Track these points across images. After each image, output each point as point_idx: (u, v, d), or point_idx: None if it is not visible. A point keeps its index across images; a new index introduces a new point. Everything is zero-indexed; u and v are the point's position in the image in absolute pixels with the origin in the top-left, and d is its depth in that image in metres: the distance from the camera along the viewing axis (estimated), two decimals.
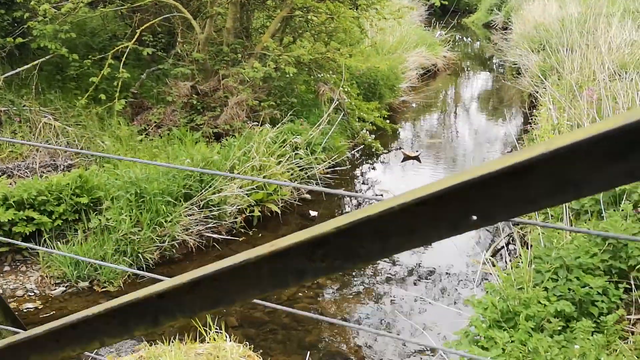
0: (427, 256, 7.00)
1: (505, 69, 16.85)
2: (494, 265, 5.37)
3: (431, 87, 15.09)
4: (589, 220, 4.77)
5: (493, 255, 6.43)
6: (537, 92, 10.11)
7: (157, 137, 8.03)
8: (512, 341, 3.50)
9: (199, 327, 4.40)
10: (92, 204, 6.32)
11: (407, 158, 10.10)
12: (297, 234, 0.80)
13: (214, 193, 6.83)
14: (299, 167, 8.05)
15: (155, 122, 8.31)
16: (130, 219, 6.23)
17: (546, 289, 3.86)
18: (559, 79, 9.92)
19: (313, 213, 7.84)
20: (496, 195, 0.63)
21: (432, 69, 15.83)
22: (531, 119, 9.26)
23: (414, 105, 13.32)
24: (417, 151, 10.24)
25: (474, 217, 0.66)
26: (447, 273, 6.63)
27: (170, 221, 6.42)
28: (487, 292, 4.23)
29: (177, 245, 6.58)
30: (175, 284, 0.87)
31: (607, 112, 6.43)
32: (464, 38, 24.47)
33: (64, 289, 5.94)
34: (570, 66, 9.87)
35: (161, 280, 0.92)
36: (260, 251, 0.81)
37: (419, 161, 10.10)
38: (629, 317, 3.99)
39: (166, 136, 8.04)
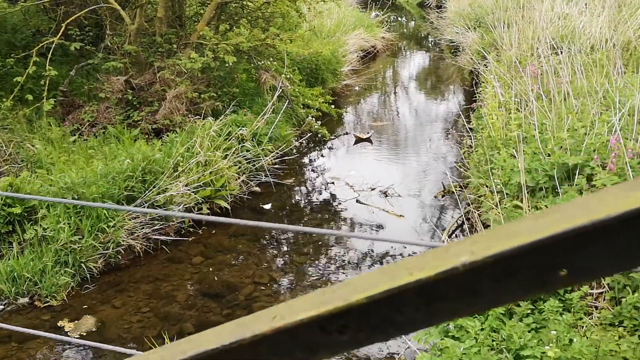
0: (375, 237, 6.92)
1: (443, 47, 16.96)
2: None
3: (372, 69, 15.02)
4: (545, 197, 4.74)
5: (449, 236, 6.39)
6: (478, 70, 10.15)
7: (92, 137, 7.58)
8: (482, 329, 3.41)
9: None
10: (26, 214, 5.89)
11: (359, 140, 10.05)
12: (309, 299, 0.60)
13: (158, 193, 6.50)
14: (246, 159, 7.79)
15: (88, 120, 7.85)
16: (70, 227, 5.84)
17: None
18: (498, 55, 9.98)
19: (266, 206, 7.63)
20: (601, 245, 0.44)
21: (372, 51, 15.76)
22: (475, 97, 9.28)
23: (356, 88, 13.21)
24: (368, 133, 10.20)
25: (563, 271, 0.47)
26: (401, 255, 6.56)
27: (113, 226, 6.06)
28: None
29: (122, 251, 6.23)
30: None
31: (552, 87, 6.45)
32: (399, 18, 24.56)
33: (2, 307, 5.52)
34: (509, 42, 9.94)
35: None
36: (257, 326, 0.60)
37: (371, 142, 10.06)
38: (591, 292, 3.98)
39: (102, 135, 7.61)
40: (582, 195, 0.46)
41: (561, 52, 7.95)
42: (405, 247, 6.65)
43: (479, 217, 5.58)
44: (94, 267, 5.92)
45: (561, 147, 5.13)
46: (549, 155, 5.15)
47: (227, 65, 8.36)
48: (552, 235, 0.46)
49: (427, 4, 24.27)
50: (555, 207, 0.50)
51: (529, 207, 4.53)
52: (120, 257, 6.22)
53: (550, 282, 0.50)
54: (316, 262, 6.59)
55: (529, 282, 0.51)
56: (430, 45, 19.34)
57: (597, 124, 5.21)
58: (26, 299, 5.55)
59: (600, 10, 9.69)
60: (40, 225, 5.78)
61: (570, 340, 3.15)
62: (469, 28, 13.74)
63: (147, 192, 6.45)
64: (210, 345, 0.63)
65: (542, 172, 4.87)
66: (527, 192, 4.83)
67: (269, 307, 0.63)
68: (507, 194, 5.17)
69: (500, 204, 5.01)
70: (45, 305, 5.55)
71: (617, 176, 4.22)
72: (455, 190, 6.82)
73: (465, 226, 6.35)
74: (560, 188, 4.63)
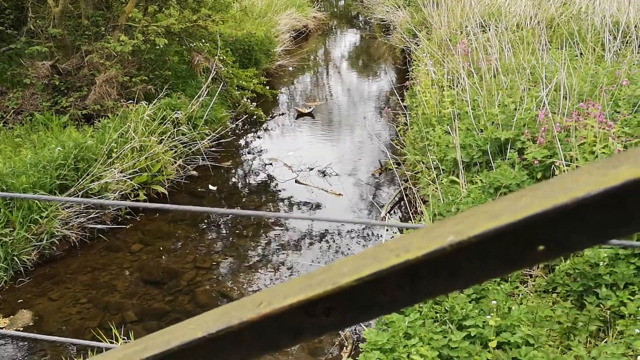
0: (318, 217, 7.00)
1: (374, 26, 17.10)
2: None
3: (305, 49, 14.99)
4: (479, 171, 4.92)
5: (388, 212, 6.53)
6: (410, 48, 10.32)
7: (18, 125, 7.25)
8: (425, 302, 3.53)
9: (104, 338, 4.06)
10: None
11: (300, 115, 10.24)
12: (293, 284, 0.62)
13: (92, 181, 6.32)
14: (182, 143, 7.66)
15: (13, 108, 7.49)
16: None
17: None
18: (428, 34, 10.17)
19: (212, 187, 7.59)
20: (580, 221, 0.49)
21: (304, 31, 15.71)
22: (408, 75, 9.44)
23: (290, 68, 13.17)
24: (310, 107, 10.34)
25: (541, 248, 0.51)
26: (339, 233, 6.66)
27: (46, 217, 5.85)
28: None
29: (57, 242, 6.04)
30: None
31: (481, 64, 6.66)
32: None
33: None
34: (439, 20, 10.14)
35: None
36: (243, 313, 0.61)
37: (312, 117, 10.23)
38: None
39: (28, 123, 7.29)
40: (558, 175, 0.50)
41: (489, 30, 8.19)
42: (343, 225, 6.76)
43: (417, 193, 5.73)
44: (27, 259, 5.72)
45: (493, 122, 5.33)
46: (481, 131, 5.33)
47: (158, 47, 8.16)
48: (535, 214, 0.50)
49: None
50: (533, 187, 0.54)
51: (464, 181, 4.70)
52: (55, 248, 6.03)
53: (529, 258, 0.54)
54: (256, 243, 6.61)
55: (508, 259, 0.55)
56: (361, 24, 19.46)
57: (526, 99, 5.43)
58: None
59: None
60: None
61: (509, 309, 3.31)
62: (399, 7, 13.91)
63: (80, 180, 6.25)
64: (195, 335, 0.64)
65: (476, 147, 5.04)
66: (463, 168, 5.00)
67: (252, 294, 0.65)
68: (443, 169, 5.33)
69: (437, 180, 5.16)
70: None
71: (546, 149, 4.43)
72: (392, 167, 6.96)
73: (404, 202, 6.50)
74: (493, 162, 4.82)
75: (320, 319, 0.61)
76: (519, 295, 3.80)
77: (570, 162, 4.30)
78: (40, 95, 7.56)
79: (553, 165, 4.32)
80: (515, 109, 5.33)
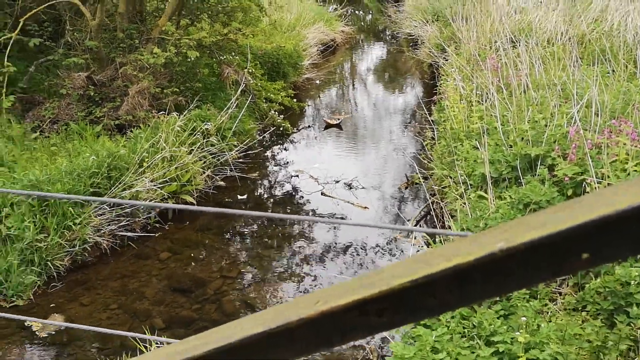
0: (342, 231, 7.03)
1: (401, 40, 17.16)
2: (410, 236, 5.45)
3: (332, 62, 15.10)
4: (508, 187, 4.91)
5: (415, 225, 6.53)
6: (438, 63, 10.34)
7: (54, 134, 7.44)
8: (453, 317, 3.53)
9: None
10: None
11: (328, 126, 10.31)
12: (348, 285, 0.66)
13: (124, 189, 6.45)
14: (211, 154, 7.78)
15: (49, 117, 7.69)
16: (35, 225, 5.74)
17: None
18: (457, 49, 10.18)
19: (241, 197, 7.70)
20: (621, 233, 0.53)
21: (332, 45, 15.83)
22: (435, 89, 9.46)
23: (317, 82, 13.28)
24: (338, 119, 10.39)
25: (585, 256, 0.55)
26: (362, 246, 6.68)
27: (79, 223, 5.99)
28: None
29: (89, 249, 6.17)
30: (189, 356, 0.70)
31: (511, 80, 6.65)
32: (357, 11, 24.68)
33: None
34: (467, 35, 10.15)
35: None
36: (303, 311, 0.66)
37: (340, 128, 10.33)
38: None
39: (64, 132, 7.48)
40: (597, 189, 0.54)
41: (519, 45, 8.18)
42: (367, 239, 6.76)
43: (445, 208, 5.73)
44: (60, 265, 5.85)
45: (522, 138, 5.32)
46: (511, 146, 5.32)
47: (189, 60, 8.32)
48: (579, 224, 0.54)
49: None
50: (576, 200, 0.58)
51: (493, 197, 4.70)
52: (86, 254, 6.16)
53: (573, 265, 0.58)
54: (281, 254, 6.66)
55: (554, 266, 0.59)
56: (388, 38, 19.54)
57: (556, 115, 5.41)
58: None
59: (555, 4, 9.99)
60: (4, 224, 5.66)
61: (538, 326, 3.30)
62: (427, 22, 13.95)
63: (112, 188, 6.39)
64: (256, 330, 0.69)
65: (505, 163, 5.04)
66: (491, 183, 4.99)
67: (308, 294, 0.70)
68: (470, 184, 5.32)
69: (465, 195, 5.16)
70: (11, 305, 5.45)
71: (577, 166, 4.42)
72: (419, 181, 6.97)
73: (430, 216, 6.50)
74: (523, 178, 4.80)
75: (372, 319, 0.65)
76: (547, 312, 3.78)
77: (602, 179, 4.27)
78: (75, 105, 7.75)
79: (584, 183, 4.30)
80: (546, 125, 5.32)
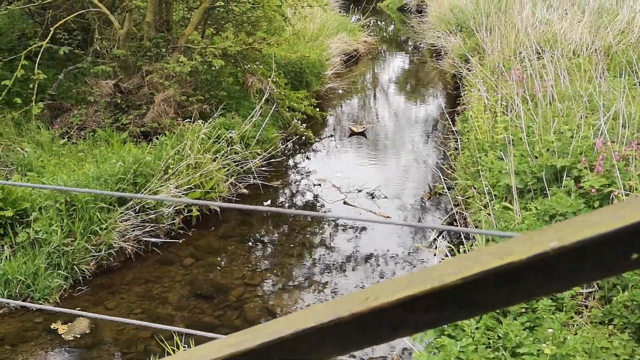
0: (363, 240, 7.03)
1: (423, 51, 17.15)
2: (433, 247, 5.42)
3: (355, 72, 15.14)
4: (533, 198, 4.88)
5: (437, 236, 6.51)
6: (461, 73, 10.32)
7: (81, 140, 7.57)
8: (478, 328, 3.51)
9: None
10: (18, 217, 5.87)
11: (353, 133, 10.42)
12: (398, 282, 0.68)
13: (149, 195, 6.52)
14: (234, 162, 7.85)
15: (77, 124, 7.84)
16: (62, 229, 5.84)
17: None
18: (481, 59, 10.16)
19: (266, 203, 7.76)
20: None
21: (355, 54, 15.88)
22: (459, 100, 9.44)
23: (340, 91, 13.32)
24: (362, 127, 10.52)
25: (634, 256, 0.57)
26: (383, 257, 6.67)
27: (105, 228, 6.08)
28: None
29: (114, 253, 6.25)
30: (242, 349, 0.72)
31: (536, 91, 6.62)
32: (380, 22, 24.74)
33: None
34: (491, 46, 10.12)
35: None
36: (354, 306, 0.68)
37: (365, 136, 10.41)
38: (581, 291, 4.11)
39: (91, 138, 7.61)
40: None
41: (544, 57, 8.14)
42: (388, 250, 6.74)
43: (469, 218, 5.70)
44: (86, 269, 5.93)
45: (548, 149, 5.29)
46: (536, 157, 5.29)
47: (214, 69, 8.41)
48: (630, 224, 0.55)
49: (407, 9, 24.49)
50: (628, 201, 0.59)
51: (519, 208, 4.67)
52: (112, 259, 6.24)
53: (623, 265, 0.60)
54: (303, 263, 6.68)
55: (604, 265, 0.60)
56: (410, 48, 19.54)
57: (582, 127, 5.37)
58: (19, 302, 5.54)
59: (581, 16, 9.93)
60: (33, 228, 5.77)
61: (565, 338, 3.27)
62: (451, 32, 13.93)
63: (138, 194, 6.47)
64: (307, 324, 0.71)
65: (531, 174, 5.01)
66: (517, 194, 4.96)
67: (358, 290, 0.72)
68: (495, 195, 5.30)
69: (489, 205, 5.14)
70: (38, 307, 5.54)
71: (604, 178, 4.38)
72: (443, 191, 6.95)
73: (458, 226, 6.47)
74: (549, 190, 4.77)
75: (420, 315, 0.67)
76: (574, 325, 3.74)
77: (630, 191, 4.23)
78: (102, 112, 7.88)
79: (612, 195, 4.26)
80: (572, 137, 5.28)
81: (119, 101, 7.93)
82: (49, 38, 7.57)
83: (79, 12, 7.99)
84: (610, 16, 9.86)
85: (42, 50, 7.46)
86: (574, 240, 0.58)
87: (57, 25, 7.68)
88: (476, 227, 5.44)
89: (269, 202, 7.83)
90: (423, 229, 7.11)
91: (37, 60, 7.41)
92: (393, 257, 6.65)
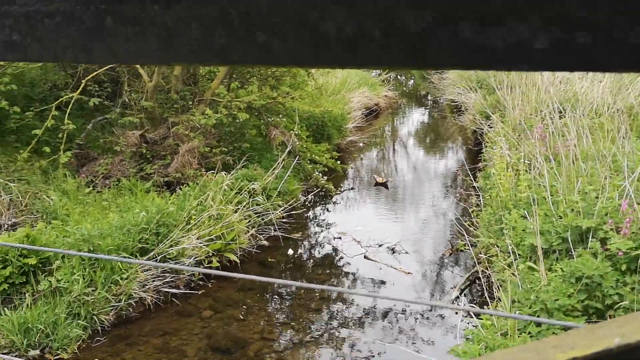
0: (382, 294, 6.94)
1: (443, 106, 17.32)
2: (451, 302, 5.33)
3: (375, 126, 15.31)
4: (559, 259, 4.81)
5: (459, 294, 6.42)
6: (482, 130, 10.38)
7: (106, 189, 7.69)
8: None
9: None
10: (40, 265, 5.92)
11: (377, 184, 10.64)
12: None
13: (171, 246, 6.56)
14: (256, 213, 7.88)
15: (102, 173, 7.97)
16: (84, 278, 5.86)
17: (530, 334, 3.82)
18: (502, 117, 10.22)
19: (290, 251, 7.87)
20: None
21: (375, 109, 16.09)
22: (480, 156, 9.46)
23: (361, 144, 13.44)
24: (386, 178, 10.77)
25: None
26: (403, 312, 6.57)
27: (126, 278, 6.09)
28: (467, 339, 4.17)
29: (133, 304, 6.24)
30: None
31: (559, 149, 6.63)
32: (400, 77, 25.11)
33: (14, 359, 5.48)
34: (512, 103, 10.20)
35: None
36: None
37: (387, 188, 10.54)
38: None
39: (115, 187, 7.72)
40: None
41: (565, 115, 8.18)
42: (408, 306, 6.66)
43: (493, 277, 5.63)
44: (105, 319, 5.92)
45: (572, 209, 5.25)
46: (560, 217, 5.25)
47: (238, 121, 8.57)
48: None
49: None
50: None
51: (544, 269, 4.61)
52: (131, 309, 6.22)
53: None
54: (320, 317, 6.60)
55: None
56: (430, 103, 19.75)
57: (607, 187, 5.34)
58: (37, 352, 5.52)
59: (601, 76, 10.00)
60: (55, 276, 5.80)
61: None
62: (471, 89, 14.09)
63: (160, 244, 6.51)
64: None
65: (555, 234, 4.96)
66: (542, 255, 4.90)
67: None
68: (519, 254, 5.24)
69: (513, 265, 5.08)
70: (56, 358, 5.51)
71: (631, 240, 4.32)
72: (465, 248, 6.88)
73: (475, 286, 6.39)
74: (574, 251, 4.71)
75: None
76: None
77: None
78: (127, 162, 8.02)
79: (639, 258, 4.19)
80: (597, 197, 5.25)
81: (144, 151, 8.07)
82: (79, 90, 7.79)
83: (111, 66, 8.24)
84: (630, 76, 9.91)
85: (72, 101, 7.67)
86: (638, 338, 0.58)
87: (88, 77, 7.92)
88: (499, 286, 5.36)
89: (291, 252, 7.89)
90: (441, 283, 7.02)
91: (68, 110, 7.61)
92: (412, 313, 6.55)
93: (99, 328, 5.88)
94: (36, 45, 0.48)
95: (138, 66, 8.10)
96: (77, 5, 0.46)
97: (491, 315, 4.12)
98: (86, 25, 0.46)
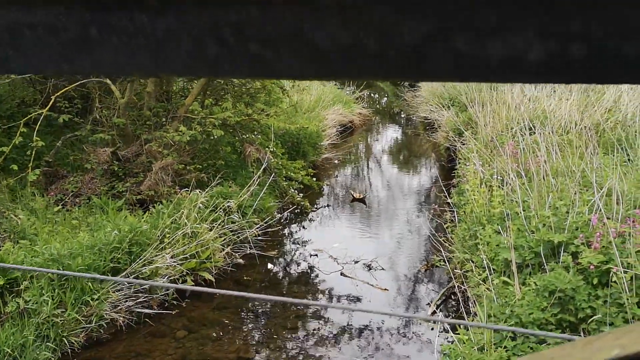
0: (358, 312, 6.92)
1: (417, 123, 17.50)
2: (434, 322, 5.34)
3: (350, 143, 15.37)
4: (532, 273, 4.86)
5: (436, 309, 6.43)
6: (455, 146, 10.50)
7: (76, 208, 7.55)
8: None
9: None
10: (8, 285, 5.76)
11: (354, 199, 10.66)
12: None
13: (144, 265, 6.45)
14: (231, 231, 7.82)
15: (72, 191, 7.83)
16: (53, 299, 5.72)
17: (506, 348, 3.84)
18: (474, 134, 10.36)
19: (270, 266, 7.81)
20: None
21: (350, 126, 16.18)
22: (453, 173, 9.55)
23: (336, 161, 13.48)
24: (363, 194, 10.84)
25: None
26: (379, 329, 6.56)
27: (97, 299, 5.96)
28: (444, 354, 4.17)
29: (104, 325, 6.10)
30: None
31: (530, 166, 6.73)
32: (373, 94, 25.32)
33: None
34: (484, 120, 10.35)
35: None
36: None
37: (365, 203, 10.58)
38: None
39: (86, 206, 7.58)
40: None
41: (535, 132, 8.32)
42: (383, 322, 6.66)
43: (469, 292, 5.66)
44: (75, 341, 5.77)
45: (544, 224, 5.32)
46: (532, 232, 5.32)
47: (212, 138, 8.52)
48: None
49: (400, 82, 25.14)
50: None
51: (519, 284, 4.65)
52: (102, 330, 6.09)
53: None
54: (296, 335, 6.55)
55: None
56: (403, 121, 19.94)
57: (577, 202, 5.43)
58: None
59: (568, 94, 10.23)
60: (23, 297, 5.65)
61: None
62: (443, 106, 14.27)
63: (132, 263, 6.40)
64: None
65: (528, 249, 5.02)
66: (515, 269, 4.95)
67: None
68: (494, 269, 5.28)
69: (488, 280, 5.11)
70: None
71: (602, 254, 4.39)
72: (441, 264, 6.92)
73: (451, 300, 6.42)
74: (547, 265, 4.77)
75: None
76: None
77: (628, 268, 4.23)
78: (98, 179, 7.90)
79: (611, 272, 4.25)
80: (567, 212, 5.33)
81: (116, 169, 7.96)
82: (49, 106, 7.67)
83: (81, 82, 8.15)
84: (597, 95, 10.15)
85: (41, 117, 7.55)
86: (637, 349, 0.57)
87: (58, 93, 7.81)
88: (474, 301, 5.39)
89: (272, 266, 7.84)
90: (417, 299, 7.04)
91: (36, 127, 7.48)
92: (389, 329, 6.54)
93: (69, 350, 5.73)
94: (17, 57, 0.47)
95: (110, 82, 8.02)
96: (59, 15, 0.44)
97: (471, 326, 4.14)
98: (69, 36, 0.44)
